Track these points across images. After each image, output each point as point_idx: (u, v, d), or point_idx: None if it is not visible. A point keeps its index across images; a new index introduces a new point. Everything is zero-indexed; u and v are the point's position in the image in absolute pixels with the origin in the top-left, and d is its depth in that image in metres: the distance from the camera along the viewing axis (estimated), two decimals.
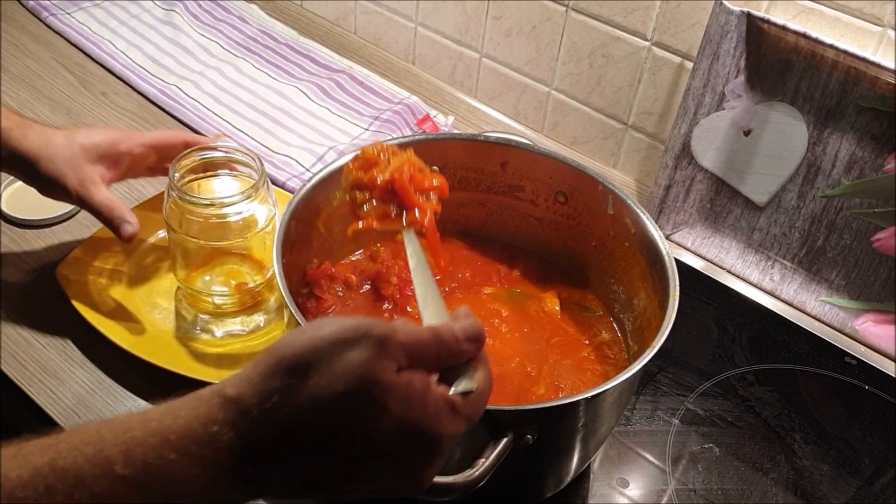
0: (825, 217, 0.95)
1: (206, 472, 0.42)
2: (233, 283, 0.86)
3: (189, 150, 0.82)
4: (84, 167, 0.80)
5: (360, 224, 0.69)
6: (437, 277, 0.85)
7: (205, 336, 0.85)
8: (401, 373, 0.45)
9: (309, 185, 0.76)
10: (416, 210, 0.68)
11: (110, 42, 1.27)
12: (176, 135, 0.88)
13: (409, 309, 0.81)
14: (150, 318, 0.86)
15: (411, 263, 0.61)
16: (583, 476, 0.77)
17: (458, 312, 0.51)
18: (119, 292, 0.87)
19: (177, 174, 0.80)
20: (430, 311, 0.55)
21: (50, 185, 0.80)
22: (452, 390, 0.47)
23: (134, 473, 0.40)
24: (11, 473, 0.39)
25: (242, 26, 1.34)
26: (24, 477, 0.39)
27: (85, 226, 0.97)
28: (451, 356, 0.48)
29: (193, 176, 0.83)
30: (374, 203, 0.68)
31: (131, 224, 0.81)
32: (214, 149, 0.84)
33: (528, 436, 0.60)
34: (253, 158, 0.82)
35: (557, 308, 0.83)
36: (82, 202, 0.80)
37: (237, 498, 0.44)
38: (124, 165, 0.83)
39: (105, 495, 0.40)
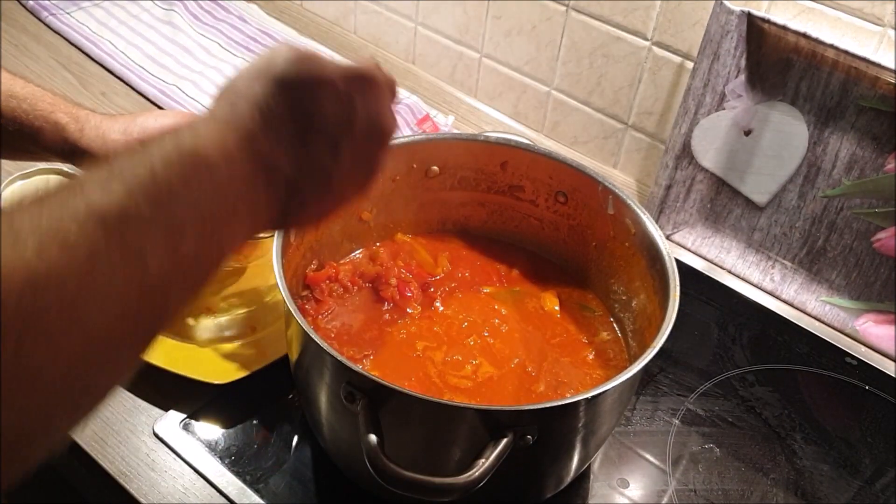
0: (826, 217, 0.95)
1: (236, 140, 0.45)
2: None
3: None
4: None
5: None
6: (438, 277, 0.85)
7: (205, 335, 0.85)
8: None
9: None
10: None
11: (110, 42, 1.27)
12: None
13: (409, 310, 0.81)
14: None
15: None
16: (583, 476, 0.77)
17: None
18: None
19: None
20: None
21: None
22: None
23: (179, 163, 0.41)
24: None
25: (242, 26, 1.34)
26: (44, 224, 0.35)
27: None
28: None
29: None
30: None
31: None
32: None
33: (528, 436, 0.60)
34: None
35: (557, 308, 0.83)
36: None
37: (264, 197, 0.47)
38: None
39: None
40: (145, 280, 0.37)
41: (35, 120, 0.77)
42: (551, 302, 0.84)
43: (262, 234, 0.87)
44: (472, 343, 0.78)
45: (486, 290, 0.85)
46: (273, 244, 0.69)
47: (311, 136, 0.50)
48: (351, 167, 0.54)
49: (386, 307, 0.81)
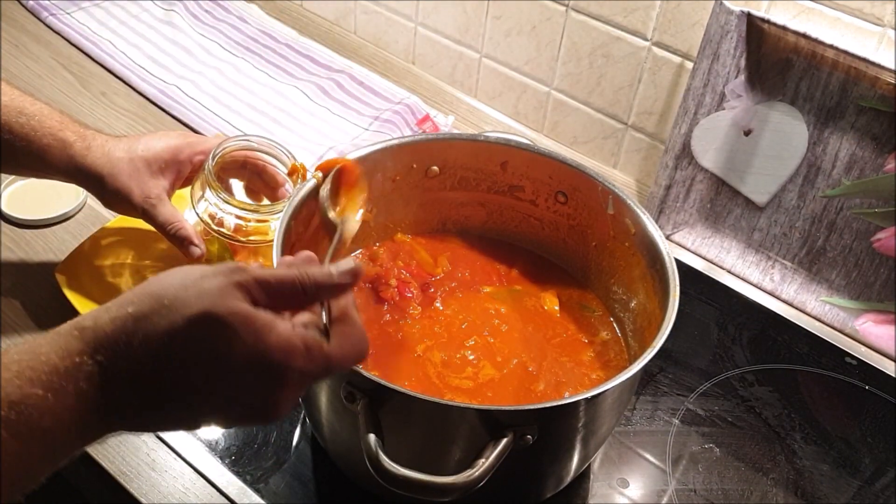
0: (825, 217, 0.95)
1: (73, 404, 0.44)
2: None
3: (224, 149, 0.82)
4: (147, 182, 0.79)
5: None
6: (438, 277, 0.85)
7: None
8: (256, 307, 0.48)
9: (309, 186, 0.76)
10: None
11: (110, 42, 1.27)
12: None
13: (410, 310, 0.81)
14: None
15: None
16: (583, 476, 0.77)
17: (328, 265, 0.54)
18: (119, 292, 0.87)
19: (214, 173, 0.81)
20: None
21: (115, 200, 0.80)
22: (309, 333, 0.50)
23: (3, 414, 0.42)
24: None
25: (242, 26, 1.34)
26: None
27: (85, 226, 0.97)
28: (320, 290, 0.51)
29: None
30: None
31: (199, 248, 0.81)
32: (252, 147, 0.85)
33: (528, 436, 0.60)
34: (290, 157, 0.84)
35: (557, 307, 0.83)
36: (147, 217, 0.81)
37: (107, 429, 0.46)
38: (185, 174, 0.83)
39: None
40: None
41: (43, 137, 0.77)
42: (551, 302, 0.84)
43: None
44: (472, 343, 0.78)
45: (486, 289, 0.85)
46: (273, 244, 0.69)
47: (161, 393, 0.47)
48: (225, 406, 0.48)
49: (386, 307, 0.81)
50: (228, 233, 0.83)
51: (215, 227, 0.83)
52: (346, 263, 0.53)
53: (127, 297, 0.47)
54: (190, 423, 0.49)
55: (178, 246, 0.81)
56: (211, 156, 0.81)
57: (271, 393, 0.48)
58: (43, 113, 0.79)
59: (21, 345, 0.46)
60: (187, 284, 0.47)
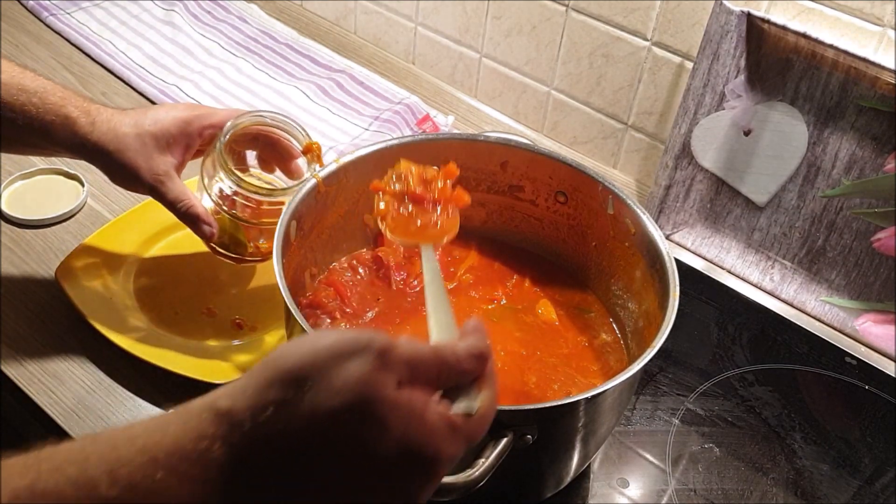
0: (825, 217, 0.95)
1: (195, 490, 0.39)
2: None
3: (241, 122, 0.80)
4: (155, 158, 0.77)
5: (387, 234, 0.69)
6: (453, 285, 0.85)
7: (206, 335, 0.85)
8: (401, 389, 0.42)
9: (309, 185, 0.76)
10: (439, 223, 0.68)
11: (110, 42, 1.27)
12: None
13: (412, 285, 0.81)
14: (150, 318, 0.86)
15: (426, 278, 0.60)
16: (583, 476, 0.77)
17: (467, 327, 0.49)
18: (119, 292, 0.87)
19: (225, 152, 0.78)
20: (440, 327, 0.53)
21: (122, 176, 0.78)
22: (453, 410, 0.45)
23: (120, 494, 0.38)
24: None
25: (242, 26, 1.34)
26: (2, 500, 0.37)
27: (85, 226, 0.97)
28: (454, 375, 0.46)
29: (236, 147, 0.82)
30: (400, 211, 0.68)
31: (210, 226, 0.79)
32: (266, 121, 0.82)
33: (528, 436, 0.60)
34: (304, 134, 0.81)
35: (554, 316, 0.83)
36: (155, 195, 0.78)
37: None
38: (194, 148, 0.80)
39: None
40: None
41: (45, 114, 0.75)
42: (547, 311, 0.83)
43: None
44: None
45: (487, 306, 0.84)
46: (273, 244, 0.69)
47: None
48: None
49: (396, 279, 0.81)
50: (241, 215, 0.81)
51: (226, 209, 0.81)
52: (475, 341, 0.47)
53: (264, 378, 0.42)
54: None
55: (188, 224, 0.79)
56: (223, 134, 0.78)
57: (419, 483, 0.43)
58: (45, 89, 0.76)
59: (148, 420, 0.41)
60: (332, 361, 0.42)
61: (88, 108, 0.77)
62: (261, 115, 0.81)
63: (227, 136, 0.78)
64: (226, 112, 0.81)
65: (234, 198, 0.80)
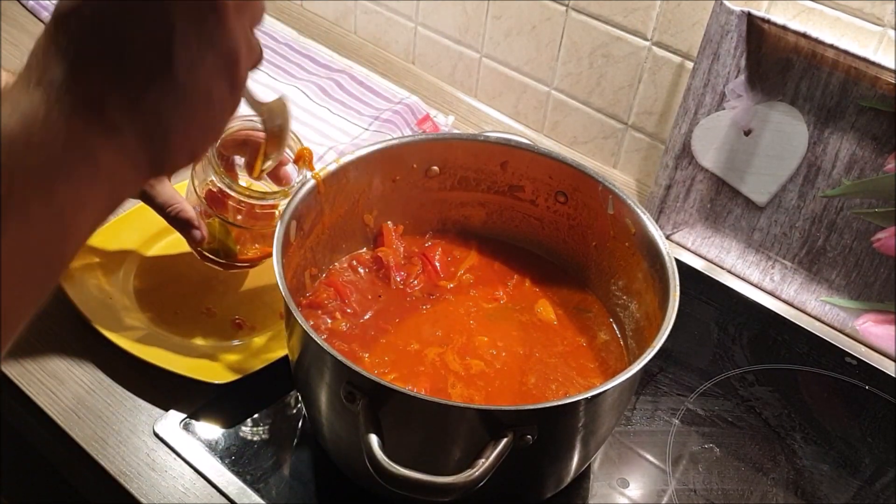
0: (825, 217, 0.95)
1: (48, 100, 0.40)
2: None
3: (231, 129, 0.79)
4: None
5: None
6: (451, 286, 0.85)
7: (206, 335, 0.85)
8: None
9: (309, 185, 0.76)
10: None
11: None
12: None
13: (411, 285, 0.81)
14: (150, 318, 0.86)
15: None
16: (583, 476, 0.77)
17: None
18: (119, 292, 0.87)
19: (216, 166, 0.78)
20: None
21: None
22: None
23: None
24: None
25: None
26: None
27: None
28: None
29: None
30: None
31: (199, 231, 0.79)
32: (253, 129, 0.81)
33: (528, 436, 0.60)
34: (295, 140, 0.81)
35: (553, 316, 0.83)
36: (145, 198, 0.78)
37: (103, 139, 0.41)
38: None
39: None
40: None
41: None
42: (545, 311, 0.83)
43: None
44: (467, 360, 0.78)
45: (487, 305, 0.84)
46: (273, 244, 0.69)
47: (125, 68, 0.41)
48: (194, 91, 0.43)
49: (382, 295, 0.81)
50: (232, 219, 0.81)
51: (217, 213, 0.80)
52: None
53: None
54: (183, 112, 0.43)
55: (177, 228, 0.80)
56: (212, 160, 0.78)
57: (230, 74, 0.44)
58: None
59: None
60: None
61: None
62: (251, 120, 0.81)
63: (220, 140, 0.78)
64: None
65: (226, 201, 0.80)
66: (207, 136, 0.46)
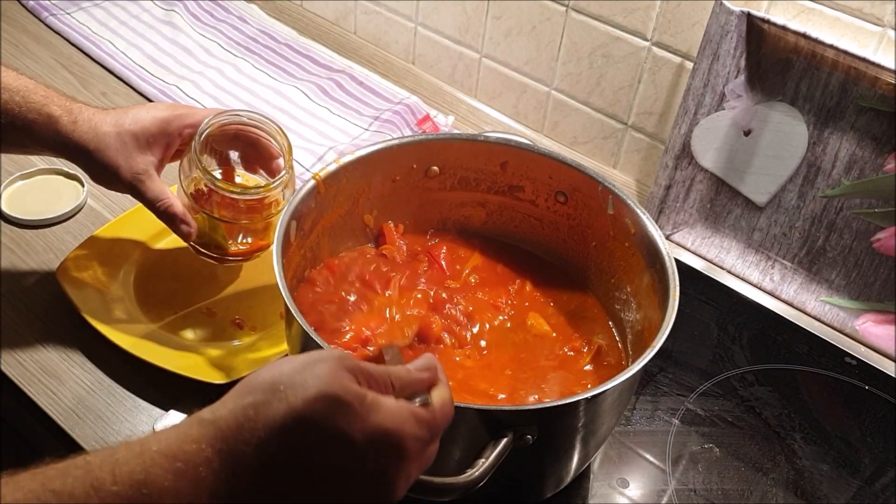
0: (825, 217, 0.95)
1: (190, 486, 0.44)
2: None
3: (213, 124, 0.80)
4: (135, 157, 0.77)
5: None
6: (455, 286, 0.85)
7: (206, 335, 0.85)
8: (362, 386, 0.49)
9: (309, 185, 0.76)
10: None
11: (110, 42, 1.27)
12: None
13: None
14: (150, 318, 0.86)
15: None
16: (583, 476, 0.77)
17: (416, 360, 0.55)
18: (119, 292, 0.87)
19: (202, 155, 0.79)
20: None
21: (102, 174, 0.78)
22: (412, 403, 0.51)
23: (123, 489, 0.42)
24: (7, 497, 0.41)
25: (242, 26, 1.34)
26: (19, 498, 0.41)
27: (85, 226, 0.97)
28: (407, 385, 0.52)
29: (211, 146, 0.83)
30: None
31: (189, 226, 0.80)
32: (241, 122, 0.82)
33: (528, 436, 0.60)
34: (280, 133, 0.81)
35: (547, 328, 0.82)
36: (135, 193, 0.79)
37: None
38: (174, 147, 0.81)
39: None
40: None
41: (28, 112, 0.75)
42: (538, 323, 0.82)
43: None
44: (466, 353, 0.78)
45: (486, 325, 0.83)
46: (273, 244, 0.69)
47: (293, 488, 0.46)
48: None
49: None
50: (217, 214, 0.81)
51: (203, 208, 0.81)
52: (423, 361, 0.54)
53: (240, 390, 0.48)
54: None
55: (166, 223, 0.80)
56: (197, 134, 0.78)
57: (392, 466, 0.48)
58: (27, 88, 0.76)
59: (143, 435, 0.46)
60: (299, 369, 0.48)
61: (70, 107, 0.78)
62: (237, 115, 0.82)
63: (203, 136, 0.79)
64: (206, 112, 0.81)
65: (211, 196, 0.81)
66: None
